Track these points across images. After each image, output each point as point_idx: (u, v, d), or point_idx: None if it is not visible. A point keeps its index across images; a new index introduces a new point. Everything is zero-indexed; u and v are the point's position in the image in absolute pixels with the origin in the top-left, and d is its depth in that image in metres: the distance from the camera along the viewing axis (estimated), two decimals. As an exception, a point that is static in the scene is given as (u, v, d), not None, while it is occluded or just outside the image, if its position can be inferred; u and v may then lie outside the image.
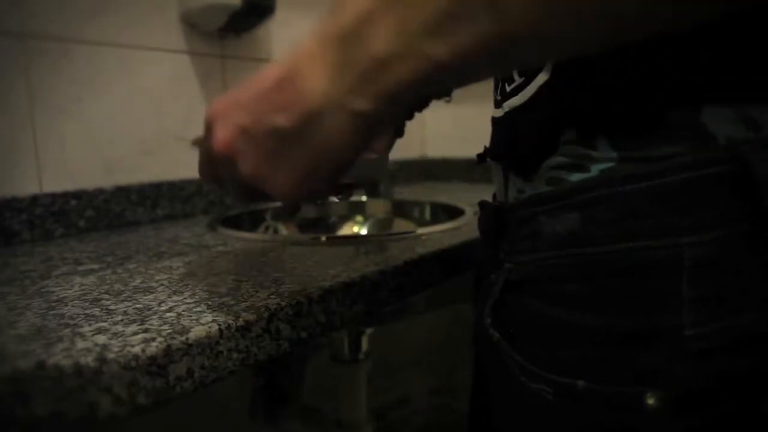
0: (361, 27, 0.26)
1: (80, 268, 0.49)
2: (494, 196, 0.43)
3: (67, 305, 0.37)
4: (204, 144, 0.34)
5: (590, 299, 0.28)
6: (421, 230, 0.62)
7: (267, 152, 0.30)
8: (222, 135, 0.31)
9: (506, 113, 0.35)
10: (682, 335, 0.25)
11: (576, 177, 0.30)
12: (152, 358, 0.29)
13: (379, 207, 0.91)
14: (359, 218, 0.92)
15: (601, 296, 0.28)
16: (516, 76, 0.34)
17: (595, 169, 0.29)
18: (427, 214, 0.89)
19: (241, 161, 0.31)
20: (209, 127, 0.33)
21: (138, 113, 0.75)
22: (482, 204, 0.40)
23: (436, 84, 0.27)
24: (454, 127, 1.25)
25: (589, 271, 0.28)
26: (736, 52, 0.26)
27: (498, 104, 0.37)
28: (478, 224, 0.41)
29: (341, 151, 0.30)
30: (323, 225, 0.89)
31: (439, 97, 0.48)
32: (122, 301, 0.38)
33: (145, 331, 0.31)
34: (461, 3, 0.23)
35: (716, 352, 0.25)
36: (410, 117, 0.46)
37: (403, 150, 1.20)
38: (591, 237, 0.28)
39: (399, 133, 0.45)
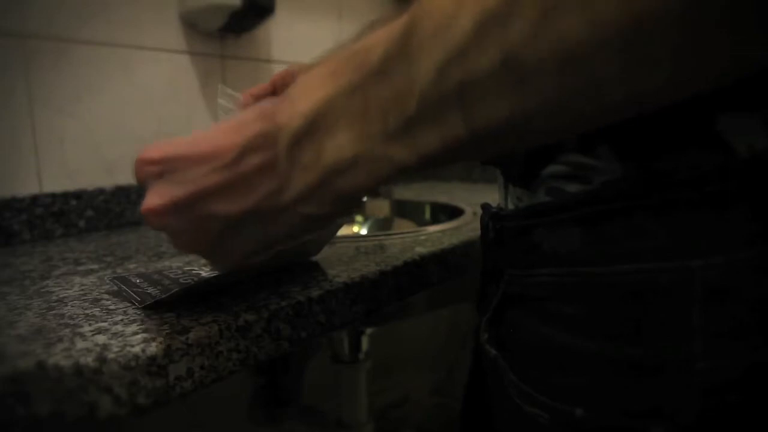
0: (316, 126, 0.24)
1: (80, 268, 0.49)
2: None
3: (67, 305, 0.37)
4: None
5: (590, 323, 0.26)
6: (420, 230, 0.62)
7: (204, 234, 0.28)
8: (153, 203, 0.28)
9: None
10: (692, 368, 0.23)
11: (576, 189, 0.27)
12: (152, 358, 0.29)
13: (379, 207, 0.91)
14: (359, 218, 0.92)
15: (602, 320, 0.26)
16: None
17: (597, 181, 0.26)
18: (427, 214, 0.89)
19: (173, 236, 0.29)
20: (141, 178, 0.29)
21: (138, 113, 0.75)
22: (483, 207, 0.38)
23: (396, 180, 0.25)
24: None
25: (589, 292, 0.26)
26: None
27: None
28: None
29: (284, 241, 0.29)
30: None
31: None
32: (122, 300, 0.38)
33: (145, 331, 0.31)
34: (428, 105, 0.22)
35: (729, 389, 0.23)
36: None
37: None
38: (591, 256, 0.26)
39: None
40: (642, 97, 0.20)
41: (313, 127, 0.24)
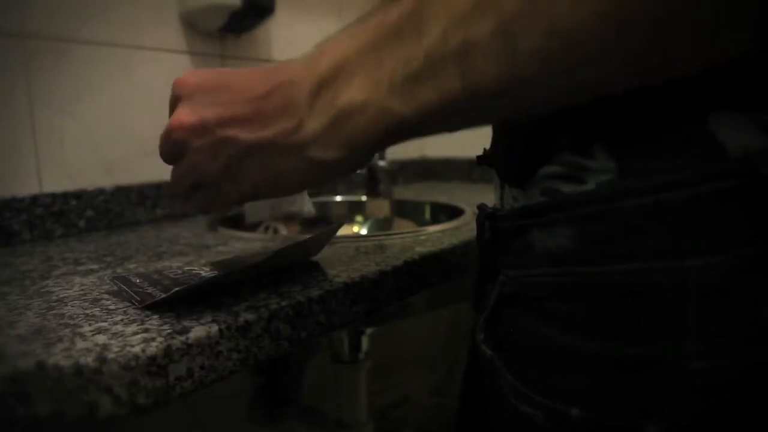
0: (336, 75, 0.27)
1: (80, 268, 0.49)
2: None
3: (67, 305, 0.37)
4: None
5: (585, 322, 0.26)
6: (420, 230, 0.62)
7: (220, 157, 0.30)
8: (184, 118, 0.31)
9: None
10: (687, 368, 0.23)
11: (571, 189, 0.27)
12: (152, 358, 0.29)
13: (379, 207, 0.91)
14: (359, 218, 0.92)
15: (597, 320, 0.26)
16: None
17: (592, 181, 0.26)
18: (427, 214, 0.89)
19: (190, 154, 0.31)
20: (175, 100, 0.32)
21: (138, 113, 0.75)
22: (480, 207, 0.38)
23: (399, 137, 0.27)
24: (454, 127, 1.25)
25: (585, 292, 0.26)
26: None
27: None
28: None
29: (288, 187, 0.31)
30: (323, 225, 0.89)
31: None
32: (122, 300, 0.38)
33: (145, 331, 0.31)
34: (431, 62, 0.24)
35: (728, 389, 0.23)
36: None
37: (403, 150, 1.20)
38: (587, 256, 0.26)
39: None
40: (618, 77, 0.22)
41: (334, 77, 0.27)
